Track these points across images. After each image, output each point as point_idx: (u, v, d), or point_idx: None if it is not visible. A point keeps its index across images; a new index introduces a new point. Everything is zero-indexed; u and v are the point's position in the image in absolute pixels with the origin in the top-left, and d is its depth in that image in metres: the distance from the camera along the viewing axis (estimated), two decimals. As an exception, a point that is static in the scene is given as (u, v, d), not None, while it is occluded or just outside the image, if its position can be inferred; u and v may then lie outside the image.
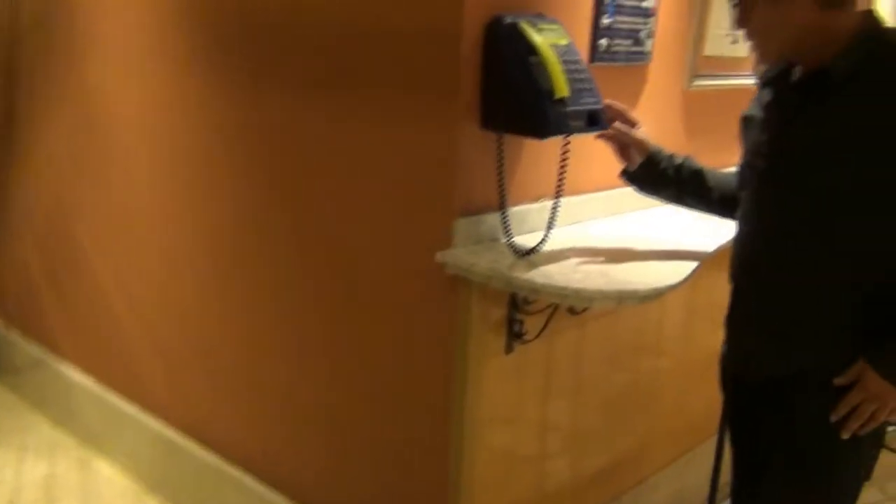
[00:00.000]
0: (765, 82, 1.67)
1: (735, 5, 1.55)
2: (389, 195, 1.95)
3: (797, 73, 1.56)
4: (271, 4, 2.13)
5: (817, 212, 1.49)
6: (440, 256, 1.80)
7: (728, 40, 2.50)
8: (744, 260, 1.69)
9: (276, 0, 2.12)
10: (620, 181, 2.03)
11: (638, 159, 1.89)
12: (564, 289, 1.63)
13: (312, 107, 2.07)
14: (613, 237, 2.04)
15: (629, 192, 2.28)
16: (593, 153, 2.13)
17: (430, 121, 1.83)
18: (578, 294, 1.62)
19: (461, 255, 1.78)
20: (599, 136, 1.89)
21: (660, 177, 1.89)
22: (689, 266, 1.81)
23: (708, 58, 2.45)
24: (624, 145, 1.90)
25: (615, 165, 2.24)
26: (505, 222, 1.82)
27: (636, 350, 2.42)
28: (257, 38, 2.18)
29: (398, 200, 1.93)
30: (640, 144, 1.88)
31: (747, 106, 1.77)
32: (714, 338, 1.88)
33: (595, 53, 2.07)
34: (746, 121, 1.74)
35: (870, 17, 1.50)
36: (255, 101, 2.22)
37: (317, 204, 2.12)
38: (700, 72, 2.42)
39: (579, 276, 1.69)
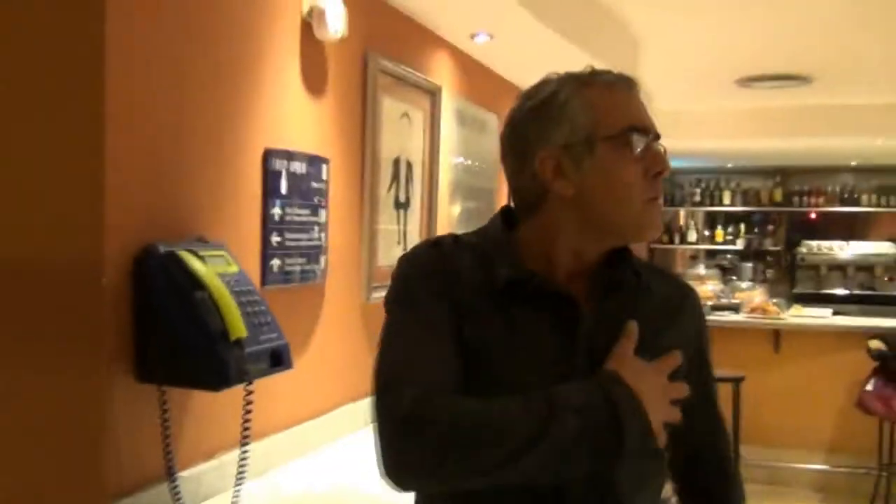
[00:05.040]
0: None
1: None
2: (27, 477, 1.46)
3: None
4: None
5: None
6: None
7: (399, 249, 2.42)
8: None
9: None
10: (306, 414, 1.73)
11: None
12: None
13: None
14: (310, 493, 1.73)
15: (318, 426, 2.02)
16: (274, 387, 1.84)
17: (69, 376, 1.42)
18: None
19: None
20: None
21: None
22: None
23: (382, 268, 2.34)
24: None
25: (300, 397, 1.97)
26: (176, 495, 1.43)
27: None
28: None
29: (38, 483, 1.46)
30: None
31: None
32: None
33: (266, 276, 1.82)
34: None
35: None
36: None
37: None
38: (378, 282, 2.27)
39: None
